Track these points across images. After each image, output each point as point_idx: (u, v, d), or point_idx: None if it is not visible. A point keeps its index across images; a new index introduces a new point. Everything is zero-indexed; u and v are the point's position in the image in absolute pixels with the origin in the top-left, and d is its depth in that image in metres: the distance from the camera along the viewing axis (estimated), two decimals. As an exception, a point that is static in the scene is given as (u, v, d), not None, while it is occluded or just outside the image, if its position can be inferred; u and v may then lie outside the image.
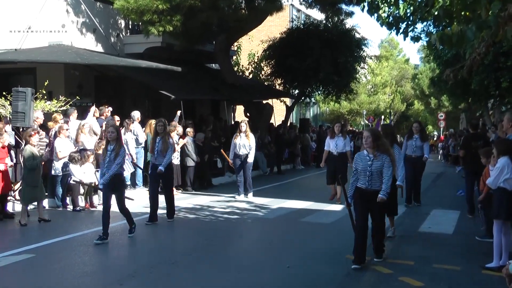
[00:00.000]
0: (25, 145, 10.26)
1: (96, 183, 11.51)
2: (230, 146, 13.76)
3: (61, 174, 11.65)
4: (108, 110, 14.38)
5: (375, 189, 6.94)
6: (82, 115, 13.56)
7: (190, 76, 19.21)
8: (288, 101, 28.45)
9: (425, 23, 12.57)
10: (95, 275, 6.81)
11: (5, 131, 10.67)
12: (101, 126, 13.12)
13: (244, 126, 13.44)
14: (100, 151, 11.86)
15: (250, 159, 13.48)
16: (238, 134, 13.48)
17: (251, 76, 26.87)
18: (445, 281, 6.30)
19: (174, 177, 11.80)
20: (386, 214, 8.01)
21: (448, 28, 5.53)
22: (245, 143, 13.31)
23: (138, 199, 12.65)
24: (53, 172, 11.63)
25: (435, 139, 44.23)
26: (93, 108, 13.45)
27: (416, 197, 12.20)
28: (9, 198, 10.83)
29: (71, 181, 11.53)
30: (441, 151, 34.03)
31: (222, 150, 16.07)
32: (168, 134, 10.66)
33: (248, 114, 22.78)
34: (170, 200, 10.33)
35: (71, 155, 11.56)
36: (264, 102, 23.64)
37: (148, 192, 10.78)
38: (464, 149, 11.22)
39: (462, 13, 6.30)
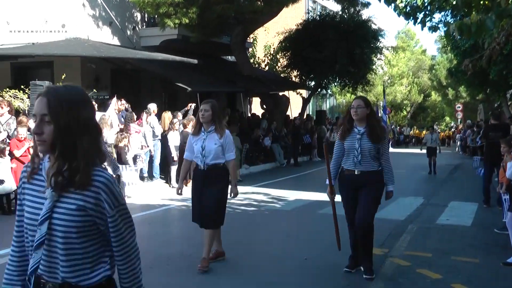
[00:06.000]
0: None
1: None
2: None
3: None
4: (121, 103, 14.03)
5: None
6: (99, 108, 13.62)
7: (206, 68, 19.23)
8: (304, 93, 28.41)
9: (443, 12, 12.42)
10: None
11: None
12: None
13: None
14: (122, 144, 11.93)
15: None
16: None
17: (267, 68, 26.86)
18: (463, 273, 6.24)
19: None
20: None
21: (467, 18, 5.45)
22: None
23: (155, 191, 12.77)
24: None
25: (452, 130, 43.84)
26: (114, 100, 13.40)
27: (365, 259, 6.04)
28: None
29: None
30: (458, 142, 33.66)
31: None
32: None
33: (264, 106, 22.82)
34: None
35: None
36: (281, 94, 23.64)
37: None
38: (484, 138, 11.15)
39: (481, 2, 6.22)
